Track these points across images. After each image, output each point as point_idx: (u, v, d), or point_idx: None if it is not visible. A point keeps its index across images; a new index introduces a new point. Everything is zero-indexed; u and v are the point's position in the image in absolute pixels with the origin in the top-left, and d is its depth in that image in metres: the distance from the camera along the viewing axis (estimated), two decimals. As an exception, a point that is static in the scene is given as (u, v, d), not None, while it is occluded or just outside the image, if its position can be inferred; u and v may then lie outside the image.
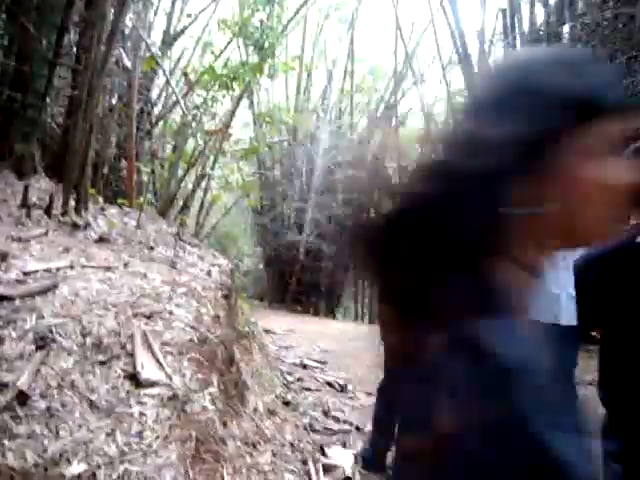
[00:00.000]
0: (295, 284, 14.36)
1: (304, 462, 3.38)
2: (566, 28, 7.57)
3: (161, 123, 10.60)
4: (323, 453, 3.70)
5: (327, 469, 3.44)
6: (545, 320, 3.57)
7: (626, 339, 1.77)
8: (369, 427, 3.90)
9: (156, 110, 9.92)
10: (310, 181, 14.53)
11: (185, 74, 9.76)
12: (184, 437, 2.16)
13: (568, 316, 3.49)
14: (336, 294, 15.99)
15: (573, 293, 3.46)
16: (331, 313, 15.46)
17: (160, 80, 9.80)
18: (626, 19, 6.92)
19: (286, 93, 15.34)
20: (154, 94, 9.88)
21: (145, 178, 8.73)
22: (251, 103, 13.74)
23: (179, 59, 11.25)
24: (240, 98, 9.60)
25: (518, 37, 8.20)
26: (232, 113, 9.50)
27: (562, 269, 3.49)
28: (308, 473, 3.27)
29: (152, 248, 4.74)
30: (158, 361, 2.44)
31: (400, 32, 11.84)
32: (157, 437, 2.06)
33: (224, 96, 8.38)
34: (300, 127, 14.66)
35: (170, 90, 9.65)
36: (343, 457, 3.69)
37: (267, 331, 7.51)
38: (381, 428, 3.58)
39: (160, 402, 2.21)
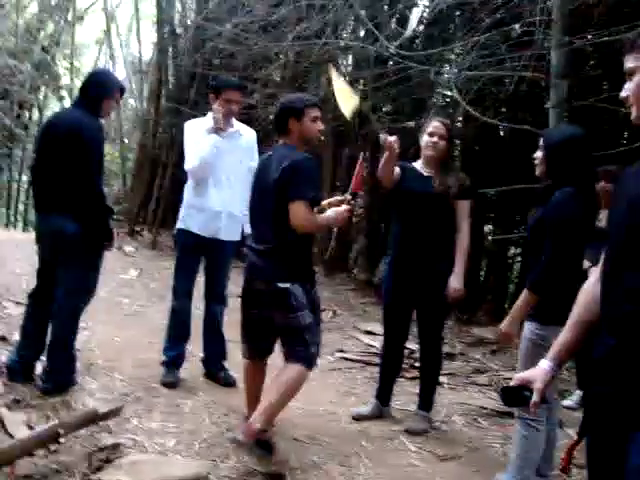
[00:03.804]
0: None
1: None
2: None
3: None
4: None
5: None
6: (207, 235, 3.84)
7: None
8: (16, 337, 3.68)
9: None
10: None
11: None
12: None
13: (227, 232, 3.78)
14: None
15: (234, 212, 3.77)
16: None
17: None
18: None
19: None
20: None
21: None
22: None
23: None
24: None
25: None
26: None
27: (226, 188, 3.74)
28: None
29: None
30: None
31: None
32: None
33: None
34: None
35: None
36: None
37: None
38: (29, 338, 3.42)
39: None
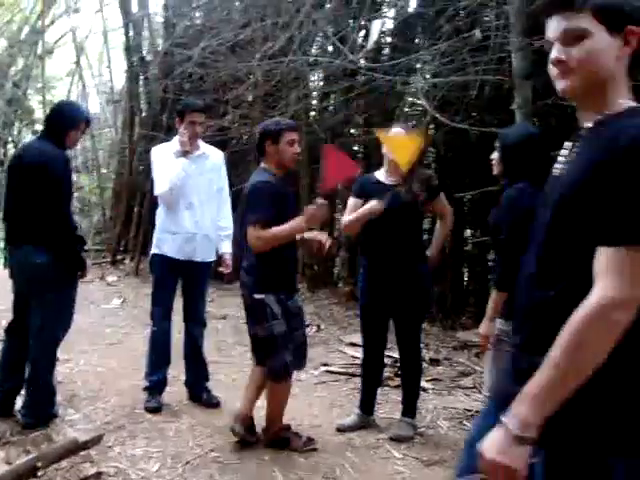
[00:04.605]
0: None
1: None
2: None
3: None
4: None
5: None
6: (182, 257, 3.85)
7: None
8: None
9: None
10: None
11: None
12: None
13: (202, 253, 3.79)
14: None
15: (208, 233, 3.79)
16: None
17: None
18: None
19: None
20: None
21: None
22: None
23: None
24: None
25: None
26: None
27: (198, 210, 3.76)
28: None
29: None
30: None
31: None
32: None
33: None
34: None
35: None
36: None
37: None
38: (7, 373, 3.40)
39: None
